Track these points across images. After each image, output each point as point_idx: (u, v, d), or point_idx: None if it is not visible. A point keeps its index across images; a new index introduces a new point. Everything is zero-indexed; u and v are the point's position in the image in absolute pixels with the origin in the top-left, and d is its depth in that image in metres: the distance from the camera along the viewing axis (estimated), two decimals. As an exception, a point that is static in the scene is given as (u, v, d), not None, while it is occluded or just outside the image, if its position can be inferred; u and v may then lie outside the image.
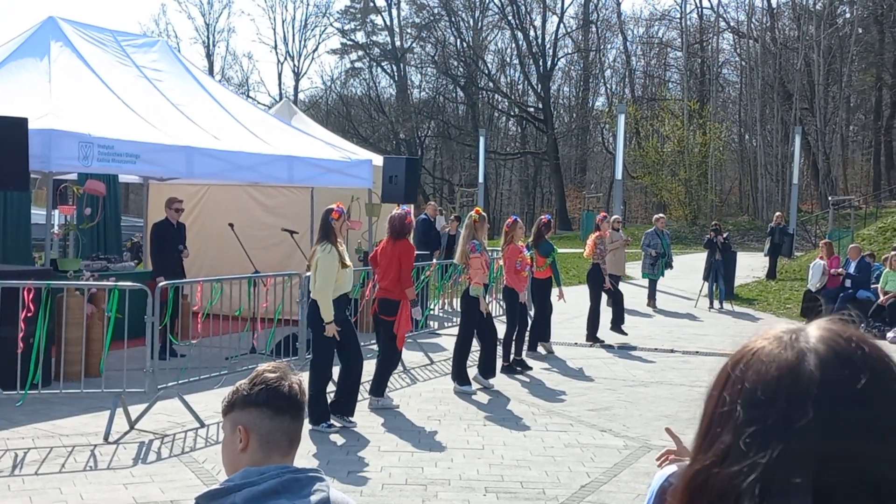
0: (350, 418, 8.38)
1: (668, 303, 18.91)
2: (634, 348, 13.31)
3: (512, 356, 11.33)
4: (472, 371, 10.38)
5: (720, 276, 18.44)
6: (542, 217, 12.90)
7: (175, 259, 11.24)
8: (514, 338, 11.35)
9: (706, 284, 18.56)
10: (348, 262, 8.35)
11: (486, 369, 10.42)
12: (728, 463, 0.98)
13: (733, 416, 1.01)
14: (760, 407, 0.99)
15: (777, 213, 25.91)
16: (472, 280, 10.11)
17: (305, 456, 7.25)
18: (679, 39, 52.97)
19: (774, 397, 0.98)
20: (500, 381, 10.65)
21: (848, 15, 47.67)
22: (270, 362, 2.26)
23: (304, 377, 9.97)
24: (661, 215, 19.91)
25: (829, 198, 35.77)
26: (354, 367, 8.44)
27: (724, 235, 19.09)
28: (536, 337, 12.43)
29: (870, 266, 16.52)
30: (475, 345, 10.59)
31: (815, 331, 1.03)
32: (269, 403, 2.14)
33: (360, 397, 8.79)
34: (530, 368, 11.43)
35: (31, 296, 8.09)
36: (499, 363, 10.80)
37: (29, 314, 8.00)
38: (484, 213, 10.59)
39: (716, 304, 18.40)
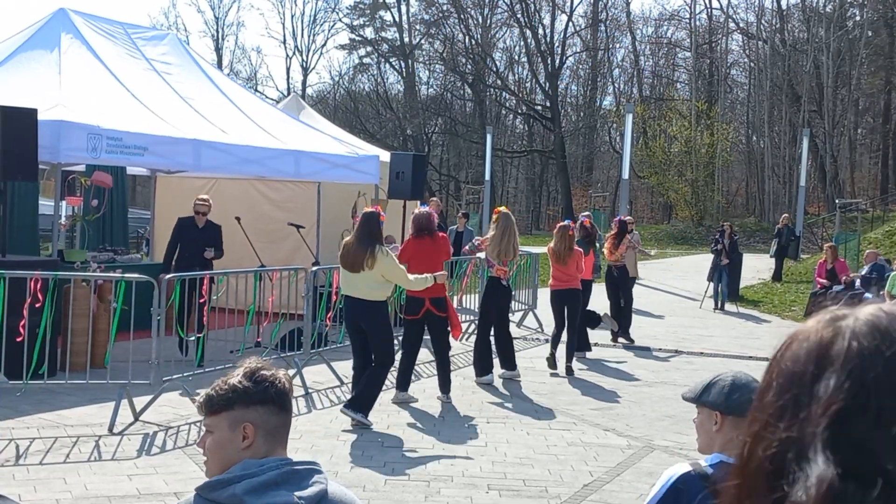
0: (367, 417, 8.35)
1: (673, 304, 18.90)
2: (644, 348, 13.31)
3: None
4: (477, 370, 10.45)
5: (724, 277, 18.39)
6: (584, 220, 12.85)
7: (190, 259, 10.62)
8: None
9: (711, 285, 18.52)
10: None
11: (507, 362, 10.59)
12: (763, 439, 0.99)
13: (769, 395, 1.03)
14: (791, 379, 1.00)
15: (784, 215, 25.82)
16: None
17: (309, 450, 7.27)
18: (688, 40, 52.90)
19: (804, 369, 0.99)
20: (502, 380, 10.67)
21: (858, 18, 47.57)
22: (255, 357, 2.27)
23: (308, 371, 10.02)
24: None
25: (837, 200, 35.67)
26: (383, 368, 8.52)
27: (733, 237, 18.94)
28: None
29: (883, 269, 16.38)
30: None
31: (862, 310, 1.03)
32: (275, 400, 2.16)
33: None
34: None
35: (38, 286, 8.11)
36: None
37: (37, 304, 8.02)
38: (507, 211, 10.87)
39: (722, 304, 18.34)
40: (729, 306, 18.26)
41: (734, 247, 18.74)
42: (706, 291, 18.73)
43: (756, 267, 26.65)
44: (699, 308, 18.39)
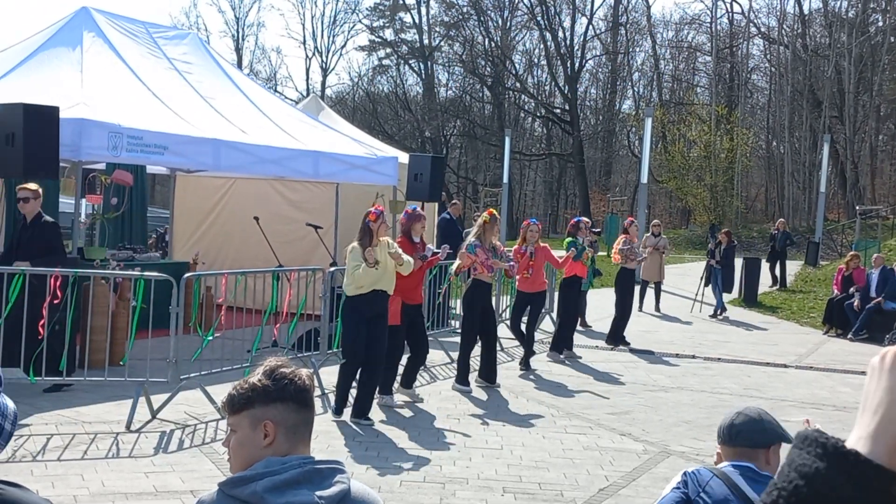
0: (368, 416, 8.39)
1: (672, 308, 18.80)
2: (655, 353, 13.26)
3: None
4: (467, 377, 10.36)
5: (718, 281, 17.94)
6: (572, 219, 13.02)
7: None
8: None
9: (702, 289, 18.17)
10: (382, 258, 8.34)
11: (489, 373, 10.38)
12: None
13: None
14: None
15: (780, 220, 25.25)
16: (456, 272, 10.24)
17: (324, 451, 7.28)
18: (709, 44, 52.70)
19: None
20: (519, 383, 10.66)
21: (881, 23, 47.25)
22: (275, 357, 2.28)
23: (325, 371, 10.04)
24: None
25: (857, 207, 35.47)
26: (377, 370, 8.50)
27: (732, 243, 18.52)
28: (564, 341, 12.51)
29: (892, 273, 16.22)
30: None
31: None
32: (294, 398, 2.17)
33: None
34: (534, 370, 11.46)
35: (58, 283, 8.17)
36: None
37: (56, 301, 8.07)
38: (497, 215, 10.57)
39: (719, 311, 17.93)
40: (718, 313, 17.84)
41: (730, 253, 18.38)
42: (696, 295, 18.39)
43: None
44: (689, 312, 18.06)
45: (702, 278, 18.33)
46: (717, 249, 18.01)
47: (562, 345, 12.43)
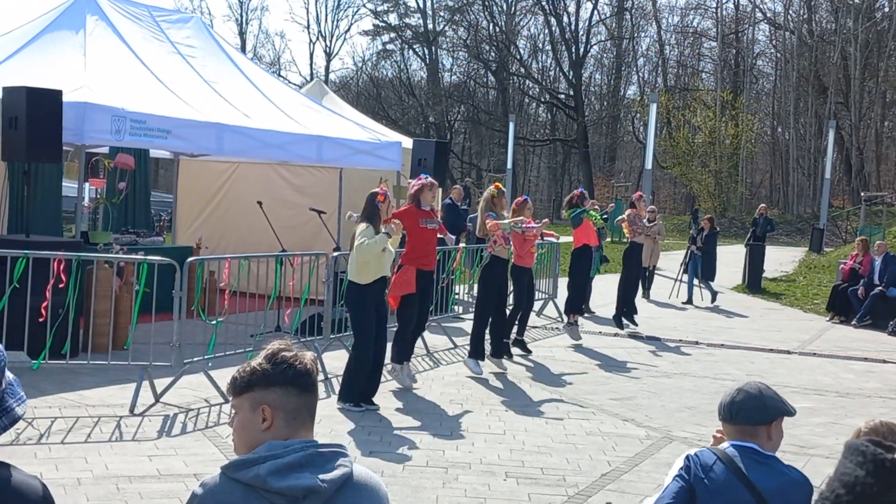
0: (373, 400, 8.41)
1: (694, 295, 18.76)
2: (659, 339, 13.26)
3: (514, 336, 11.34)
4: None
5: (699, 270, 17.67)
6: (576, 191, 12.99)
7: None
8: (517, 317, 11.29)
9: (684, 277, 17.99)
10: (388, 246, 8.34)
11: (499, 349, 10.48)
12: None
13: None
14: None
15: (761, 205, 24.83)
16: (491, 248, 10.14)
17: (327, 435, 7.29)
18: (714, 29, 52.50)
19: None
20: (522, 368, 10.66)
21: (887, 9, 46.99)
22: (279, 340, 2.27)
23: (328, 356, 10.06)
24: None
25: (862, 193, 35.36)
26: (379, 353, 8.50)
27: (714, 230, 18.16)
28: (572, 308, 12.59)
29: (889, 264, 16.12)
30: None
31: None
32: (294, 382, 2.17)
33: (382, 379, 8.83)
34: (530, 352, 11.43)
35: (61, 267, 8.17)
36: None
37: (61, 285, 8.07)
38: (503, 189, 10.60)
39: (705, 299, 17.76)
40: (734, 296, 17.95)
41: (711, 240, 18.01)
42: (675, 282, 18.19)
43: (779, 259, 26.49)
44: (668, 298, 17.84)
45: (681, 265, 18.23)
46: (700, 236, 17.92)
47: (569, 309, 12.51)
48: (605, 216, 13.78)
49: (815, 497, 2.54)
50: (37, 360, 7.99)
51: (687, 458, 3.15)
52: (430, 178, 9.43)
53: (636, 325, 13.70)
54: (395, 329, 9.30)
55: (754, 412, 3.13)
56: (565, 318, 12.80)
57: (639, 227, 13.73)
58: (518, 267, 11.01)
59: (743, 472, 3.01)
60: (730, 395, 3.20)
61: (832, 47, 45.78)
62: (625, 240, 14.29)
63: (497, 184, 10.82)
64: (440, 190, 14.98)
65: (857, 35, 43.29)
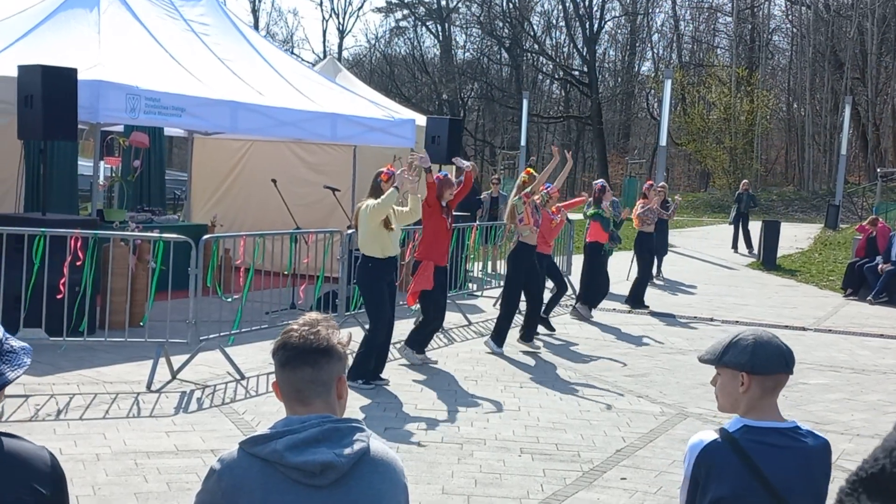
0: (381, 376, 8.44)
1: (710, 272, 18.73)
2: (673, 316, 13.25)
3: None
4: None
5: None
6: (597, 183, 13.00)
7: None
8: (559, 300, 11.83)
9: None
10: (394, 224, 8.33)
11: (529, 333, 10.51)
12: None
13: None
14: None
15: (744, 181, 24.56)
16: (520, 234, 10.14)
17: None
18: (729, 4, 51.96)
19: None
20: (537, 345, 10.67)
21: (905, -17, 46.40)
22: (310, 314, 2.27)
23: (345, 332, 10.06)
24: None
25: (878, 170, 35.09)
26: (392, 331, 8.55)
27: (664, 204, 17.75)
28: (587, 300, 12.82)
29: None
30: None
31: None
32: (276, 354, 2.21)
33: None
34: (554, 330, 11.46)
35: (78, 244, 8.22)
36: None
37: (77, 263, 8.13)
38: (535, 174, 10.63)
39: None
40: (749, 272, 17.79)
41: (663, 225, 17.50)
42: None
43: (795, 235, 26.37)
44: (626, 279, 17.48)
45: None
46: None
47: (583, 301, 12.71)
48: (620, 220, 13.77)
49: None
50: (55, 337, 8.06)
51: (692, 451, 2.78)
52: (449, 176, 9.49)
53: (647, 306, 13.69)
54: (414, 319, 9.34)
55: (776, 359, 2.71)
56: (578, 303, 12.84)
57: (650, 218, 13.75)
58: (538, 254, 11.11)
59: (758, 469, 2.64)
60: (733, 338, 2.78)
61: (849, 22, 45.28)
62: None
63: (528, 169, 10.86)
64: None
65: (874, 9, 42.80)
